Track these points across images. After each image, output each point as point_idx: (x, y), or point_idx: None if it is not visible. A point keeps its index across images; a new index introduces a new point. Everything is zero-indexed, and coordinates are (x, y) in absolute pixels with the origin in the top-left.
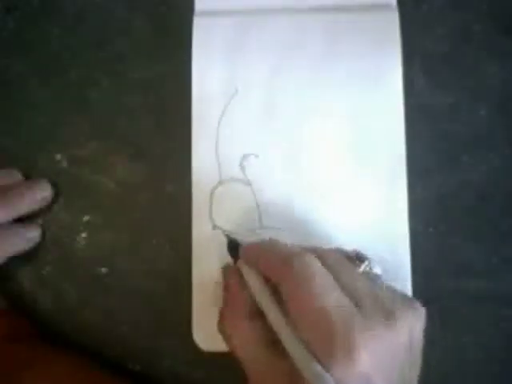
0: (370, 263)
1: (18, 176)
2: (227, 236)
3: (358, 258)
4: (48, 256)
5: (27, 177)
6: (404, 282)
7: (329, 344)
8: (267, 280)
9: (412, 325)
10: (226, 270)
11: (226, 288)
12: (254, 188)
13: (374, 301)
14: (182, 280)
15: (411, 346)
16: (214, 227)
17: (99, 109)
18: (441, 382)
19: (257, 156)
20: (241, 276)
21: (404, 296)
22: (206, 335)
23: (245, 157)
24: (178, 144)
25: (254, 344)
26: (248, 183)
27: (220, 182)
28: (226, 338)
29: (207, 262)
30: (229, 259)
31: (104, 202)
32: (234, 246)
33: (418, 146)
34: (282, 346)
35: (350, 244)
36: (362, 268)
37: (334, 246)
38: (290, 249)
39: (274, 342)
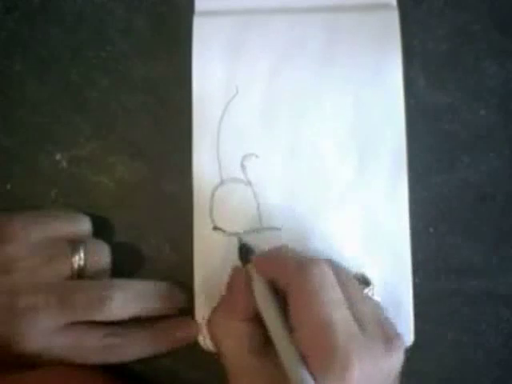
0: (373, 288)
1: (86, 224)
2: (239, 240)
3: (363, 281)
4: None
5: (27, 177)
6: (404, 282)
7: (327, 357)
8: (274, 289)
9: (402, 356)
10: (234, 271)
11: (230, 288)
12: (255, 188)
13: (377, 325)
14: (182, 280)
15: (399, 374)
16: (215, 228)
17: (99, 109)
18: (441, 382)
19: (257, 156)
20: (247, 280)
21: (393, 326)
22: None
23: (245, 157)
24: (178, 144)
25: (243, 347)
26: (249, 183)
27: (221, 183)
28: (217, 339)
29: (209, 262)
30: (228, 258)
31: (104, 202)
32: (245, 251)
33: (418, 146)
34: (270, 355)
35: (350, 244)
36: (367, 291)
37: (333, 246)
38: (305, 256)
39: (262, 350)
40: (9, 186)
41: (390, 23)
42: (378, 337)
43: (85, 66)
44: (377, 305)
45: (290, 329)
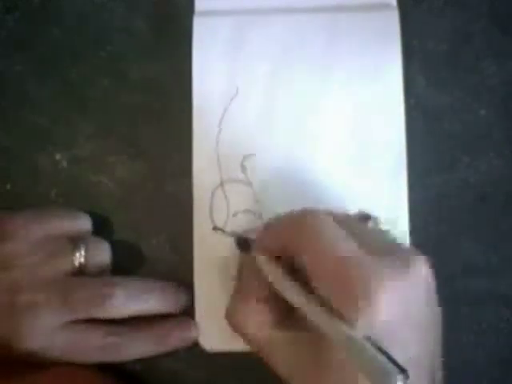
0: (376, 219)
1: (86, 222)
2: (234, 234)
3: (363, 217)
4: None
5: (27, 177)
6: None
7: (348, 293)
8: (281, 264)
9: (426, 271)
10: (240, 260)
11: (240, 276)
12: (255, 188)
13: (387, 250)
14: (182, 280)
15: (429, 291)
16: (215, 228)
17: (99, 109)
18: None
19: (257, 156)
20: (253, 265)
21: (410, 246)
22: (209, 335)
23: (245, 157)
24: (178, 144)
25: (269, 326)
26: (249, 184)
27: (221, 183)
28: (240, 325)
29: (209, 262)
30: (228, 258)
31: (104, 202)
32: (242, 242)
33: (418, 146)
34: (298, 322)
35: None
36: (370, 224)
37: None
38: (301, 209)
39: (287, 323)
40: (9, 186)
41: (390, 23)
42: (394, 257)
43: (85, 66)
44: (384, 232)
45: (308, 293)
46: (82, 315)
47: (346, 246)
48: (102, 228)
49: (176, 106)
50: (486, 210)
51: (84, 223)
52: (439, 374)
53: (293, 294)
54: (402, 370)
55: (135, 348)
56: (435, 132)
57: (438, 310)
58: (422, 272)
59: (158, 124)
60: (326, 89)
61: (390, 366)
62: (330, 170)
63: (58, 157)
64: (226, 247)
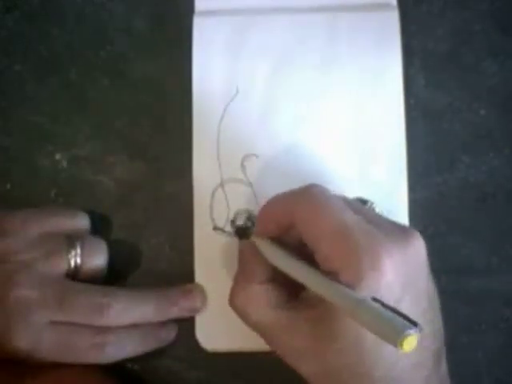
0: (372, 204)
1: (84, 220)
2: (232, 223)
3: (360, 202)
4: None
5: (27, 177)
6: None
7: (354, 257)
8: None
9: (424, 245)
10: (241, 245)
11: (242, 259)
12: (255, 188)
13: (387, 224)
14: (182, 280)
15: (427, 266)
16: (215, 228)
17: (99, 109)
18: None
19: (257, 156)
20: (253, 250)
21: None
22: (210, 335)
23: (245, 157)
24: (178, 144)
25: (271, 307)
26: (249, 184)
27: (221, 183)
28: (243, 308)
29: (209, 262)
30: (228, 258)
31: (104, 201)
32: (241, 232)
33: (418, 146)
34: (299, 302)
35: None
36: (367, 207)
37: None
38: (309, 183)
39: (290, 305)
40: (9, 186)
41: (390, 23)
42: (394, 229)
43: (85, 65)
44: (380, 214)
45: (311, 267)
46: (78, 321)
47: (352, 216)
48: (101, 228)
49: (176, 105)
50: (485, 210)
51: (82, 221)
52: (444, 363)
53: (296, 270)
54: (414, 324)
55: (127, 347)
56: (435, 132)
57: (435, 288)
58: (420, 245)
59: (157, 124)
60: (325, 89)
61: (401, 320)
62: (329, 170)
63: (57, 157)
64: (226, 247)
